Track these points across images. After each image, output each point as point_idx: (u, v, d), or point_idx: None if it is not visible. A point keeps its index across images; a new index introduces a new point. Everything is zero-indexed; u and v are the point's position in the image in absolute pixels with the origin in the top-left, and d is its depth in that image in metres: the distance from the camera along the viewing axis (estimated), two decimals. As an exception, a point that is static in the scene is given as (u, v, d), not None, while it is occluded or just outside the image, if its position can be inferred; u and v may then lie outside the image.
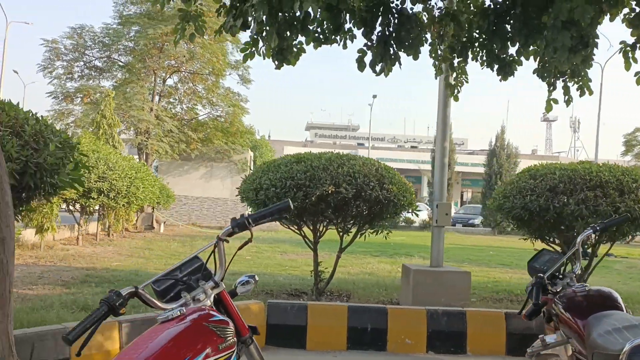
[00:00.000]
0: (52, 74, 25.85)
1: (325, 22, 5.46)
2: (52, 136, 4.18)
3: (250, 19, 5.36)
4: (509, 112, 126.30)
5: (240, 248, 2.39)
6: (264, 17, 5.14)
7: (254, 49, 5.68)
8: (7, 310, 3.03)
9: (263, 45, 5.68)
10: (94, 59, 27.16)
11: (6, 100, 4.14)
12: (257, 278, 2.42)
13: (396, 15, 5.56)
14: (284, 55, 5.32)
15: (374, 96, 56.92)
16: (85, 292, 7.89)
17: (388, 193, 8.14)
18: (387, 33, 5.58)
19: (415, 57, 5.73)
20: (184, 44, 25.46)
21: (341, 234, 8.75)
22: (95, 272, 10.24)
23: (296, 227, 8.80)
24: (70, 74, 26.58)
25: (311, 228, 8.71)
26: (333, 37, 5.52)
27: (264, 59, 5.75)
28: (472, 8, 6.25)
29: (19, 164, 3.87)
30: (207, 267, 2.38)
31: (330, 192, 7.88)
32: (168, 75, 28.12)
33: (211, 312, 2.08)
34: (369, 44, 5.60)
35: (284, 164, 8.36)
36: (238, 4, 5.28)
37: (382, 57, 5.48)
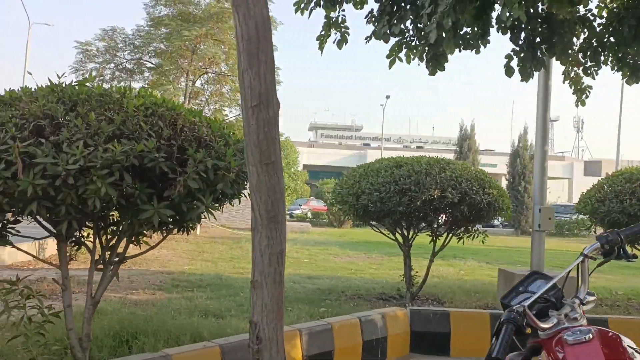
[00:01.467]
0: (84, 76, 25.74)
1: (473, 29, 5.41)
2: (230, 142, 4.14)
3: (402, 26, 5.33)
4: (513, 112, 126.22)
5: (599, 265, 2.35)
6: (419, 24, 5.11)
7: (399, 54, 5.64)
8: (282, 322, 3.00)
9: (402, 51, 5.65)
10: (124, 60, 27.09)
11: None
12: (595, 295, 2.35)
13: (543, 20, 5.51)
14: (439, 61, 5.28)
15: (387, 97, 56.69)
16: (195, 297, 7.87)
17: (490, 197, 8.13)
18: (534, 38, 5.53)
19: (564, 62, 5.70)
20: (218, 45, 25.45)
21: (433, 238, 8.76)
22: (177, 275, 10.22)
23: (388, 232, 8.81)
24: (101, 76, 26.53)
25: (404, 233, 8.70)
26: (479, 42, 5.46)
27: (408, 63, 5.72)
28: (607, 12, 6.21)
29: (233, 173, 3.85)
30: (556, 284, 2.32)
31: (435, 196, 7.86)
32: (197, 77, 28.08)
33: (620, 336, 2.01)
34: (516, 48, 5.55)
35: (383, 168, 8.34)
36: (395, 11, 5.24)
37: (531, 62, 5.44)
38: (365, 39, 5.58)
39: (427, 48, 5.27)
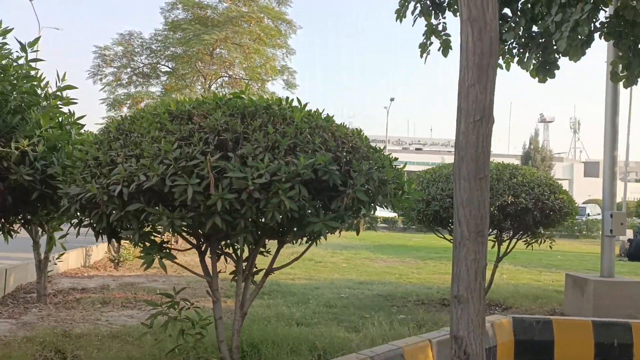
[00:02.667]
0: (102, 80, 25.76)
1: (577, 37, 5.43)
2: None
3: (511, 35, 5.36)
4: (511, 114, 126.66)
5: None
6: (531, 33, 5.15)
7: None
8: (484, 336, 3.01)
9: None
10: (141, 65, 27.06)
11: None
12: None
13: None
14: (550, 68, 5.31)
15: (392, 99, 56.58)
16: (270, 304, 7.86)
17: (561, 202, 8.17)
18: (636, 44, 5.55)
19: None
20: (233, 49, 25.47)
21: (496, 243, 8.82)
22: (276, 285, 9.99)
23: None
24: (119, 81, 26.52)
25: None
26: (583, 50, 5.48)
27: (507, 70, 5.75)
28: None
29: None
30: None
31: (509, 202, 7.90)
32: (213, 81, 28.08)
33: None
34: (620, 54, 5.58)
35: (452, 174, 8.35)
36: (506, 18, 5.28)
37: (638, 68, 5.47)
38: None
39: (538, 55, 5.30)
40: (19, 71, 4.05)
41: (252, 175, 3.26)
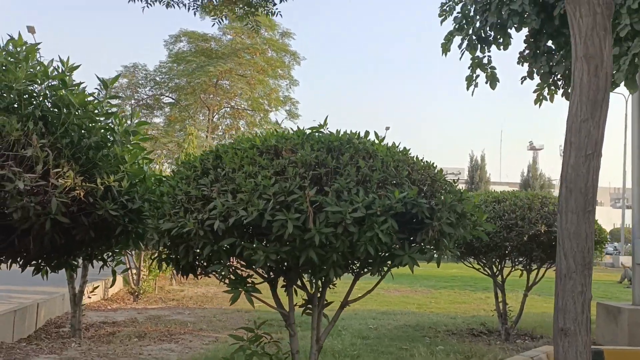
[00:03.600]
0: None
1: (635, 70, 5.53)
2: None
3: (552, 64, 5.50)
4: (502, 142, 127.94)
5: None
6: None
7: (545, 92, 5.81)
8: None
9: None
10: (145, 96, 27.23)
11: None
12: None
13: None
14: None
15: (387, 128, 56.92)
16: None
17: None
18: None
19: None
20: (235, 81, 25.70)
21: (524, 272, 8.86)
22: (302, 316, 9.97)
23: (484, 266, 8.87)
24: (123, 113, 26.53)
25: (493, 268, 8.78)
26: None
27: (552, 102, 5.87)
28: None
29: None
30: None
31: (543, 231, 7.95)
32: (217, 111, 28.26)
33: None
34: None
35: (482, 203, 8.42)
36: (551, 51, 5.42)
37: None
38: (521, 78, 5.76)
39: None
40: (98, 108, 4.11)
41: (347, 209, 3.30)
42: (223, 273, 3.61)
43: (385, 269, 4.08)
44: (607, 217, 51.09)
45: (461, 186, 4.54)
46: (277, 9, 6.07)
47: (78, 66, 4.63)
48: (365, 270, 4.15)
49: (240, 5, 5.80)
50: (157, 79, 26.90)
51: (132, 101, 26.93)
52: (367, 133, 4.02)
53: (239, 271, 3.90)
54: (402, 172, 3.65)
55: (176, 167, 4.18)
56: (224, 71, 24.48)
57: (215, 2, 6.00)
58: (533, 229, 7.91)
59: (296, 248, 3.40)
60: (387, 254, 3.73)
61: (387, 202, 3.37)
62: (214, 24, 7.98)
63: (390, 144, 4.07)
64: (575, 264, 2.96)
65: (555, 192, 46.74)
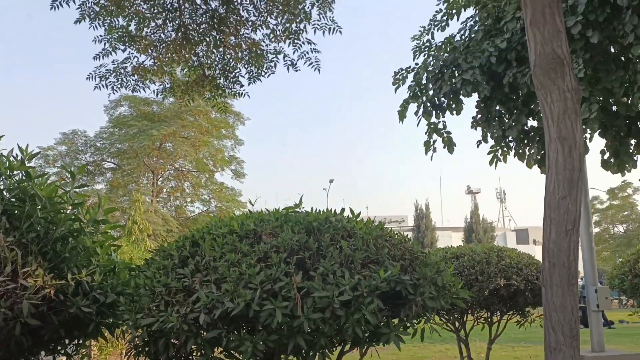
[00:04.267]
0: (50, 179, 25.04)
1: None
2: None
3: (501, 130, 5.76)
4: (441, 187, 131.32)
5: None
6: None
7: (498, 154, 6.05)
8: None
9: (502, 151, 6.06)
10: (86, 163, 26.62)
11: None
12: None
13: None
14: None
15: (331, 181, 57.84)
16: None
17: (548, 281, 8.48)
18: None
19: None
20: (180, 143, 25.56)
21: (485, 325, 8.97)
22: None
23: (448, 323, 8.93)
24: (62, 181, 25.76)
25: (454, 323, 8.85)
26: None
27: (505, 162, 6.11)
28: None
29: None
30: None
31: (502, 284, 8.11)
32: (161, 175, 27.89)
33: None
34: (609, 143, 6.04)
35: (440, 260, 8.53)
36: (503, 115, 5.69)
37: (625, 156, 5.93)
38: (477, 142, 5.99)
39: (537, 148, 5.68)
40: (64, 198, 3.97)
41: (334, 293, 3.27)
42: (207, 365, 3.47)
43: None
44: (539, 256, 52.50)
45: (408, 233, 4.61)
46: (244, 89, 6.20)
47: (37, 153, 4.51)
48: (347, 349, 4.08)
49: (208, 88, 5.86)
50: (98, 144, 26.40)
51: (73, 168, 26.18)
52: (342, 210, 4.04)
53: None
54: (382, 249, 3.68)
55: (150, 255, 4.05)
56: (168, 134, 24.30)
57: (182, 85, 6.04)
58: (493, 283, 8.06)
59: (284, 336, 3.33)
60: (371, 333, 3.69)
61: (373, 282, 3.37)
62: (161, 94, 7.99)
63: (365, 220, 4.10)
64: (563, 337, 3.02)
65: (497, 234, 47.47)
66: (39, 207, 3.74)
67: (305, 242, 3.51)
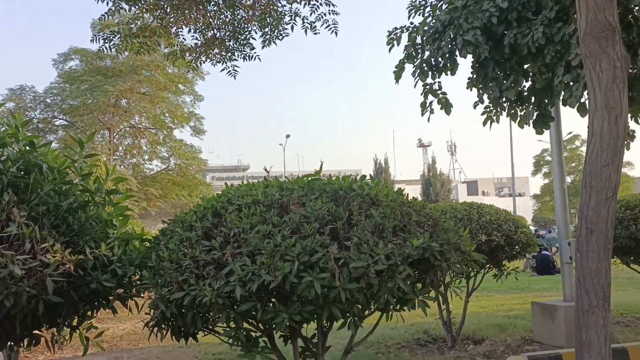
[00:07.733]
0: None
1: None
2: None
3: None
4: (394, 141, 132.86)
5: None
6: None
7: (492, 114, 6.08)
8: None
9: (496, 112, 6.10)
10: (35, 120, 25.46)
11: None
12: None
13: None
14: (546, 121, 5.75)
15: (287, 136, 57.53)
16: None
17: (525, 236, 8.74)
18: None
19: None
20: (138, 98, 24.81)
21: (465, 279, 9.22)
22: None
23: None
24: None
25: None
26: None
27: (498, 122, 6.16)
28: None
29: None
30: None
31: (483, 240, 8.31)
32: (117, 132, 27.05)
33: None
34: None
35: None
36: (503, 76, 5.69)
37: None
38: (474, 103, 5.99)
39: (534, 109, 5.73)
40: (72, 168, 3.76)
41: (370, 263, 3.25)
42: (240, 337, 3.43)
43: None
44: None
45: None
46: (255, 52, 5.93)
47: (29, 120, 4.25)
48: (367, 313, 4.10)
49: (217, 52, 5.58)
50: (48, 100, 25.22)
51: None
52: (363, 177, 3.99)
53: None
54: (409, 217, 3.66)
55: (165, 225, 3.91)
56: (124, 90, 23.40)
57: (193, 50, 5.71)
58: (475, 240, 8.24)
59: (319, 306, 3.31)
60: (398, 299, 3.71)
61: (406, 250, 3.36)
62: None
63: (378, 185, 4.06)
64: (597, 300, 3.10)
65: (452, 186, 48.16)
66: (49, 178, 3.53)
67: (335, 212, 3.45)
